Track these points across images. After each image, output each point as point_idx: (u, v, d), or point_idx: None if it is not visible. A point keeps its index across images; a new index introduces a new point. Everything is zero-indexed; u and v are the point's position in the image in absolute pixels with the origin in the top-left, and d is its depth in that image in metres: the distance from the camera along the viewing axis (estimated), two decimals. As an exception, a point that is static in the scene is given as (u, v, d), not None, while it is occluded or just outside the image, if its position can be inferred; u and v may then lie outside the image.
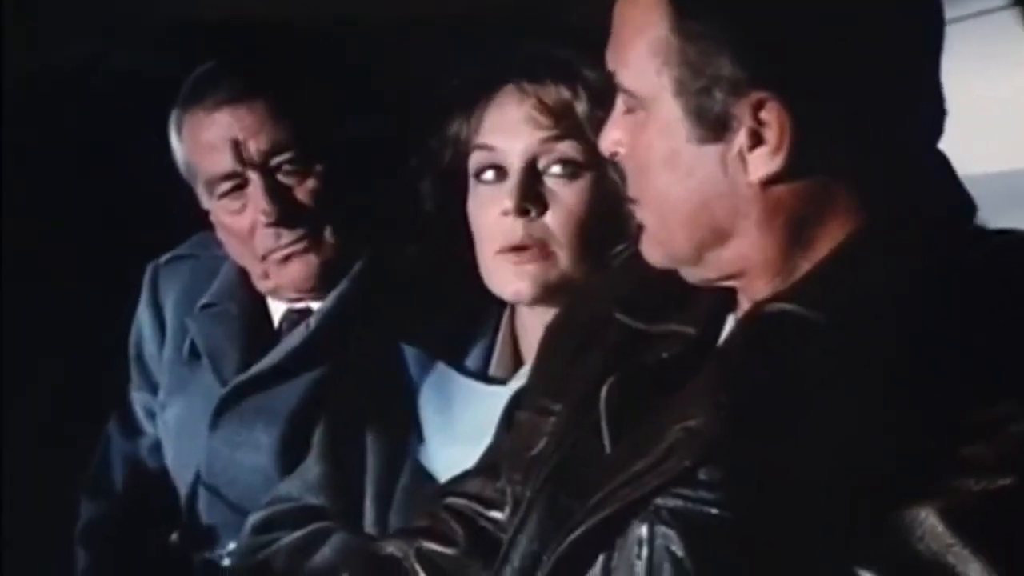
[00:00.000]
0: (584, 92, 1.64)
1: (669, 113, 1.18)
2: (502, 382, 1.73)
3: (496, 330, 1.78)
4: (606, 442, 1.23)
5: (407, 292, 1.86)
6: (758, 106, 1.14)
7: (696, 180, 1.19)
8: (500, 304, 1.77)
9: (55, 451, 2.19)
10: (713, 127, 1.16)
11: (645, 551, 1.11)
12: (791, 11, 1.14)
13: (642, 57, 1.19)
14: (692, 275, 1.25)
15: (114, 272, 2.21)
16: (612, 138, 1.26)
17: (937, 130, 1.23)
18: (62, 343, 2.24)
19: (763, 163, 1.16)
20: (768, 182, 1.16)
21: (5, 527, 2.09)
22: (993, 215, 1.23)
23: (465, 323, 1.79)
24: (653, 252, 1.26)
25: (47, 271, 2.26)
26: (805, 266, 1.19)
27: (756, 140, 1.16)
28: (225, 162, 1.93)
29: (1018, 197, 1.22)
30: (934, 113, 1.22)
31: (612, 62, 1.24)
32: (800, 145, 1.15)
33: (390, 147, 1.93)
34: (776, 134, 1.15)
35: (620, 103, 1.25)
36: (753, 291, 1.22)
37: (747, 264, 1.21)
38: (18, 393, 2.20)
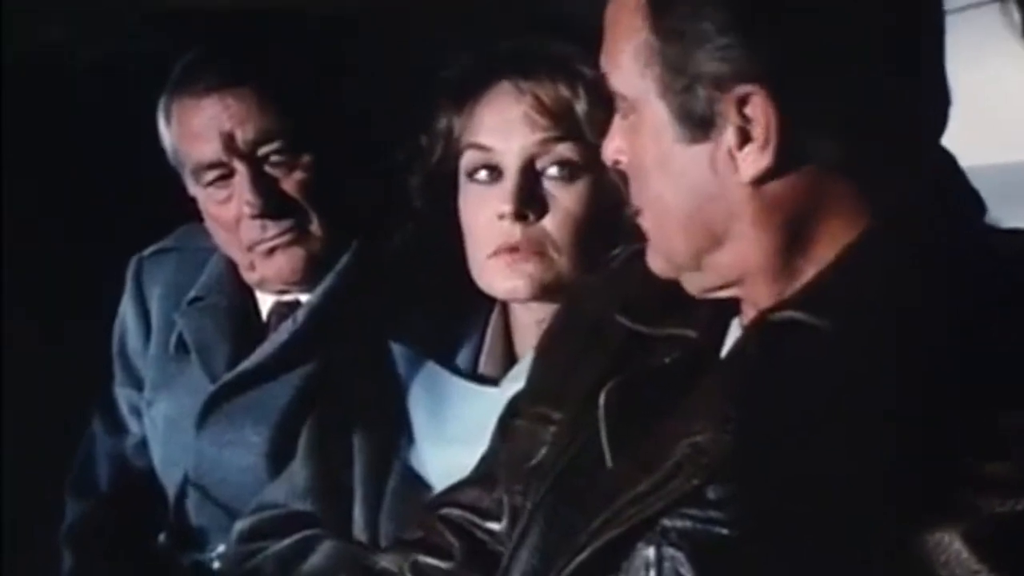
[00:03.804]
0: (583, 91, 1.59)
1: (656, 115, 1.16)
2: (493, 380, 1.68)
3: (485, 326, 1.73)
4: (607, 454, 1.19)
5: (394, 287, 1.81)
6: (743, 102, 1.11)
7: (688, 182, 1.16)
8: (489, 300, 1.71)
9: (55, 451, 2.16)
10: (699, 126, 1.14)
11: (652, 574, 1.08)
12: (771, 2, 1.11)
13: (629, 60, 1.17)
14: (694, 284, 1.22)
15: (114, 269, 2.17)
16: (613, 146, 1.24)
17: (941, 124, 1.18)
18: (62, 342, 2.22)
19: (752, 161, 1.13)
20: (759, 180, 1.13)
21: (5, 527, 2.09)
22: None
23: (453, 319, 1.74)
24: (656, 261, 1.24)
25: (47, 270, 2.24)
26: (808, 269, 1.15)
27: (744, 137, 1.12)
28: (212, 151, 1.90)
29: (1005, 191, 1.18)
30: (937, 106, 1.18)
31: (605, 65, 1.21)
32: (789, 141, 1.11)
33: (380, 139, 1.88)
34: (763, 129, 1.11)
35: (618, 107, 1.23)
36: (756, 297, 1.19)
37: (746, 268, 1.17)
38: (18, 392, 2.18)
